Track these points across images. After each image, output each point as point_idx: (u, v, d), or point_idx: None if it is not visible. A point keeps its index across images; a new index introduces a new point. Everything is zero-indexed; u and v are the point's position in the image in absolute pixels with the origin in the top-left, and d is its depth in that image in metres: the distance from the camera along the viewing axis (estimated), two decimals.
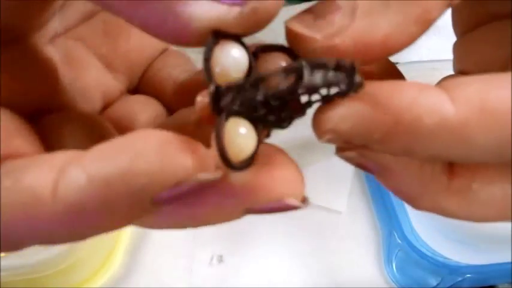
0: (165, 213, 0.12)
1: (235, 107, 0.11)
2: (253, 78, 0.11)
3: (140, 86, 0.19)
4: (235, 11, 0.11)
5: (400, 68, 0.15)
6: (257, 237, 0.38)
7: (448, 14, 0.14)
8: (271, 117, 0.11)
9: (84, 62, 0.18)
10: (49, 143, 0.14)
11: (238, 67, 0.11)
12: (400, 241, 0.36)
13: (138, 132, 0.11)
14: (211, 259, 0.37)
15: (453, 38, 0.17)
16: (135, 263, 0.37)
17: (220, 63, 0.11)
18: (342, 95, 0.11)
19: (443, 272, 0.34)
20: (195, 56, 0.18)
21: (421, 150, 0.12)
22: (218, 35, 0.11)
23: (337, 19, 0.12)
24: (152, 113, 0.18)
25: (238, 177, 0.11)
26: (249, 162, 0.11)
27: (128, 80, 0.19)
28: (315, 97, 0.11)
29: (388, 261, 0.37)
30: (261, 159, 0.12)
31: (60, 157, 0.12)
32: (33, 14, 0.15)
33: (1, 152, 0.12)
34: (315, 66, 0.11)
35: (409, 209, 0.36)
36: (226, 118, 0.11)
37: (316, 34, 0.12)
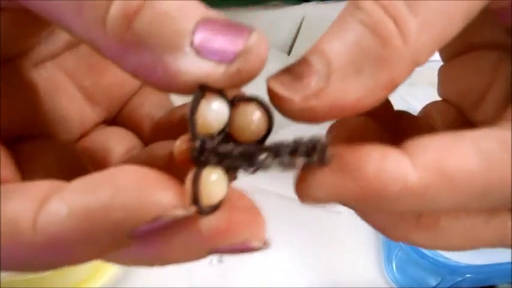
0: (134, 251, 0.12)
1: (212, 159, 0.12)
2: (226, 135, 0.13)
3: (118, 118, 0.20)
4: (221, 69, 0.12)
5: (431, 65, 0.16)
6: None
7: None
8: (242, 166, 0.12)
9: (64, 91, 0.18)
10: (23, 170, 0.15)
11: (219, 120, 0.12)
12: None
13: (118, 168, 0.12)
14: (211, 259, 0.37)
15: None
16: None
17: (204, 117, 0.12)
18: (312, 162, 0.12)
19: (443, 272, 0.34)
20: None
21: (390, 210, 0.13)
22: (204, 88, 0.12)
23: (314, 82, 0.12)
24: (127, 145, 0.18)
25: (206, 221, 0.12)
26: (217, 206, 0.12)
27: (107, 112, 0.19)
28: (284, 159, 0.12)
29: (388, 261, 0.37)
30: (227, 203, 0.12)
31: (42, 187, 0.12)
32: (21, 37, 0.15)
33: None
34: (283, 147, 0.12)
35: None
36: (203, 167, 0.12)
37: (294, 96, 0.12)
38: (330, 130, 0.16)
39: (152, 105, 0.19)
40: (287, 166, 0.12)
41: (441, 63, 0.19)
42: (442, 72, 0.19)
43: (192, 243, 0.12)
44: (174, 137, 0.16)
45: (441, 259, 0.34)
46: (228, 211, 0.12)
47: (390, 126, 0.17)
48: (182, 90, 0.12)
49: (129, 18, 0.11)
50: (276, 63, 0.29)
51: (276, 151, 0.12)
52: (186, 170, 0.12)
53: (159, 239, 0.12)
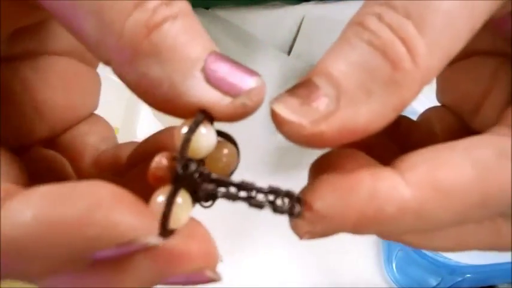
0: (75, 278, 0.12)
1: (193, 182, 0.12)
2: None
3: (59, 140, 0.19)
4: (226, 100, 0.12)
5: None
6: (257, 238, 0.38)
7: None
8: (203, 197, 0.13)
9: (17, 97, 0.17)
10: None
11: (208, 148, 0.13)
12: None
13: (92, 183, 0.11)
14: None
15: None
16: None
17: (198, 141, 0.12)
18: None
19: (443, 272, 0.34)
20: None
21: (390, 231, 0.13)
22: (204, 114, 0.12)
23: (323, 106, 0.12)
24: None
25: (166, 245, 0.12)
26: (173, 231, 0.12)
27: (50, 131, 0.18)
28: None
29: (388, 261, 0.37)
30: (185, 230, 0.12)
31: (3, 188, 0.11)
32: None
33: None
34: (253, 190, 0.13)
35: None
36: (179, 188, 0.12)
37: (303, 120, 0.12)
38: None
39: (98, 137, 0.19)
40: (255, 207, 0.13)
41: None
42: (441, 77, 0.19)
43: (146, 269, 0.12)
44: (115, 172, 0.17)
45: (441, 259, 0.34)
46: (186, 237, 0.12)
47: (390, 132, 0.16)
48: (180, 111, 0.12)
49: (150, 28, 0.11)
50: (276, 63, 0.29)
51: (257, 191, 0.13)
52: (154, 187, 0.12)
53: (112, 264, 0.11)
